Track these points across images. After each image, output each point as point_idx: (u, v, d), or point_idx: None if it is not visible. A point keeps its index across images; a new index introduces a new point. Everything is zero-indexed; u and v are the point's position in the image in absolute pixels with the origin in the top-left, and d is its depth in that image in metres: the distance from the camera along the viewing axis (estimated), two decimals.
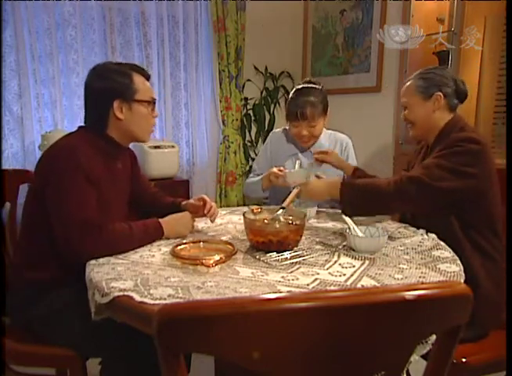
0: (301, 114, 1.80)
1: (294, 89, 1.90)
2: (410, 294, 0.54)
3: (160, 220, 1.34)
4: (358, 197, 1.35)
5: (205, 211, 1.48)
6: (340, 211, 1.63)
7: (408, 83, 1.51)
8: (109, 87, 1.32)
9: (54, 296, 1.26)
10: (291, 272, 1.10)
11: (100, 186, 1.27)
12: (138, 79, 1.35)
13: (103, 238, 1.18)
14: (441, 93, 1.43)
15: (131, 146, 1.49)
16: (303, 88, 1.87)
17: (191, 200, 1.54)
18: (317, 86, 1.87)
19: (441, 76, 1.46)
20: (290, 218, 1.35)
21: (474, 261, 1.31)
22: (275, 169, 1.77)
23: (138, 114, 1.35)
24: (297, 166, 1.79)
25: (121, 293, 0.95)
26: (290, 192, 1.51)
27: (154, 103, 1.40)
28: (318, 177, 1.63)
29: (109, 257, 1.17)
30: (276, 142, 1.97)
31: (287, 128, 1.97)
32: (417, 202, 1.32)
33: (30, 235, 1.31)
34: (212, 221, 1.50)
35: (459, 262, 1.17)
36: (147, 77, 1.40)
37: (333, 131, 2.02)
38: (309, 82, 1.90)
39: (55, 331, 1.22)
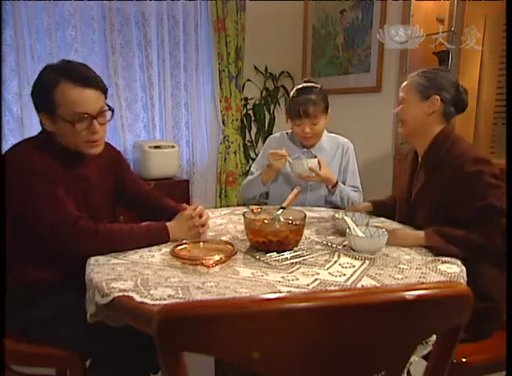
0: (304, 112, 1.82)
1: (295, 89, 1.92)
2: (410, 294, 0.54)
3: (167, 223, 1.32)
4: (451, 247, 1.22)
5: (193, 214, 1.37)
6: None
7: (410, 79, 1.45)
8: (34, 97, 1.26)
9: (51, 300, 1.26)
10: (291, 272, 1.10)
11: (64, 191, 1.23)
12: (63, 90, 1.20)
13: (100, 237, 1.19)
14: (438, 97, 1.38)
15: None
16: (303, 87, 1.89)
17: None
18: (317, 85, 1.90)
19: (443, 79, 1.40)
20: (290, 218, 1.35)
21: (489, 272, 1.28)
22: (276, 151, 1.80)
23: (61, 130, 1.24)
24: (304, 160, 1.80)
25: (121, 293, 0.95)
26: (291, 192, 1.52)
27: (95, 116, 1.25)
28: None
29: (109, 257, 1.18)
30: (276, 145, 1.96)
31: (287, 132, 1.99)
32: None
33: (17, 239, 1.28)
34: (201, 232, 1.39)
35: (459, 262, 1.17)
36: (93, 87, 1.24)
37: (335, 134, 2.02)
38: (309, 82, 1.92)
39: (52, 335, 1.21)
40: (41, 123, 1.29)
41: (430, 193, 1.39)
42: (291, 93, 1.93)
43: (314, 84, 1.89)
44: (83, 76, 1.24)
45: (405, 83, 1.47)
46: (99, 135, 1.28)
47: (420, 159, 1.48)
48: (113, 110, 1.33)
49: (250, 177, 1.97)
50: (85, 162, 1.36)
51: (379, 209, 1.66)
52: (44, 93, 1.22)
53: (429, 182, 1.40)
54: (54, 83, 1.21)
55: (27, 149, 1.25)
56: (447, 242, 1.22)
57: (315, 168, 1.75)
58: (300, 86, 1.91)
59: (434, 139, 1.40)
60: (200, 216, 1.38)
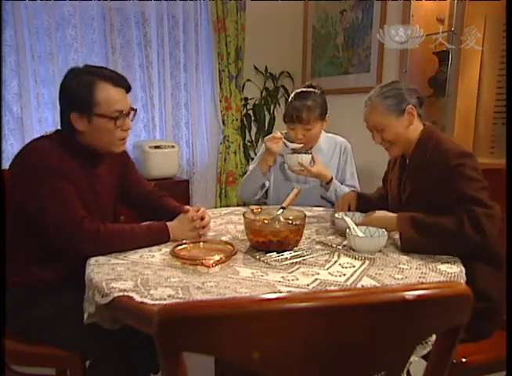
0: (297, 117, 1.83)
1: (293, 93, 1.92)
2: (410, 294, 0.54)
3: (168, 223, 1.32)
4: (422, 236, 1.24)
5: (194, 217, 1.36)
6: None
7: (371, 107, 1.45)
8: (66, 97, 1.27)
9: (51, 300, 1.26)
10: (291, 272, 1.10)
11: (77, 189, 1.24)
12: (102, 89, 1.24)
13: (101, 238, 1.19)
14: (410, 105, 1.41)
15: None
16: (301, 91, 1.89)
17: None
18: (316, 90, 1.89)
19: (404, 89, 1.44)
20: (290, 218, 1.35)
21: (485, 271, 1.28)
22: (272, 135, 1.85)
23: (98, 129, 1.26)
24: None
25: (121, 293, 0.95)
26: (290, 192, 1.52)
27: (127, 113, 1.30)
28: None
29: (109, 257, 1.18)
30: None
31: (286, 131, 1.99)
32: (493, 232, 1.22)
33: (18, 239, 1.29)
34: (202, 234, 1.38)
35: (459, 262, 1.17)
36: (122, 86, 1.29)
37: (333, 134, 2.03)
38: (309, 86, 1.92)
39: (52, 335, 1.21)
40: (64, 122, 1.30)
41: (420, 193, 1.40)
42: (290, 97, 1.93)
43: (312, 90, 1.88)
44: (115, 76, 1.28)
45: (370, 114, 1.45)
46: (127, 133, 1.33)
47: (407, 161, 1.49)
48: (136, 110, 1.35)
49: (248, 173, 1.98)
50: (101, 162, 1.38)
51: (362, 203, 1.65)
52: (80, 93, 1.24)
53: (418, 184, 1.42)
54: (91, 83, 1.24)
55: (40, 145, 1.26)
56: (416, 230, 1.23)
57: (305, 164, 1.77)
58: (298, 90, 1.91)
59: (418, 141, 1.43)
60: (202, 218, 1.38)
